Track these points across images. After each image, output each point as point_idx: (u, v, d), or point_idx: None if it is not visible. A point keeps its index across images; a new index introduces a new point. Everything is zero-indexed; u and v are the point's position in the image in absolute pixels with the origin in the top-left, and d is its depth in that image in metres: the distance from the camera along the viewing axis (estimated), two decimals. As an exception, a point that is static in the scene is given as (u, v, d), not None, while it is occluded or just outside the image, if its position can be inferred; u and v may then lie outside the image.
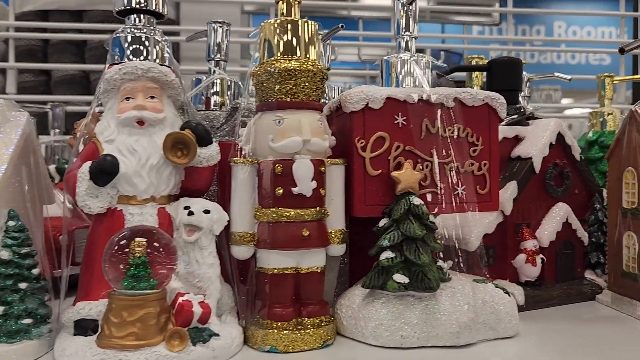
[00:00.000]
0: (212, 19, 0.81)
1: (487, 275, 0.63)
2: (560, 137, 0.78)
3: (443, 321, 0.55)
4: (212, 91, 0.73)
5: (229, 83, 0.75)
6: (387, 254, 0.56)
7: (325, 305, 0.58)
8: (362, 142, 0.59)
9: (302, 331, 0.55)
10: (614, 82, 1.14)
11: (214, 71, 0.74)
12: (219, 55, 0.74)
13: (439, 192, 0.61)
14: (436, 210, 0.60)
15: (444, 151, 0.61)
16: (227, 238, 0.57)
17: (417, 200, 0.57)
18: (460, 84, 1.08)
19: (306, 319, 0.56)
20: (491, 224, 0.73)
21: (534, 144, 0.77)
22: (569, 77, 1.04)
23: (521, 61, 0.81)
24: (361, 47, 1.42)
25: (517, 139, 0.79)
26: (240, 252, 0.56)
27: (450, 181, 0.61)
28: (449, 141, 0.61)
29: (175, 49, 1.23)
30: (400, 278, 0.55)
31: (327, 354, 0.55)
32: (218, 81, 0.74)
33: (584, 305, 0.75)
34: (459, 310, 0.56)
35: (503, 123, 0.79)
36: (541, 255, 0.74)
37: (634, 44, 0.71)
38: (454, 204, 0.61)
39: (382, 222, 0.58)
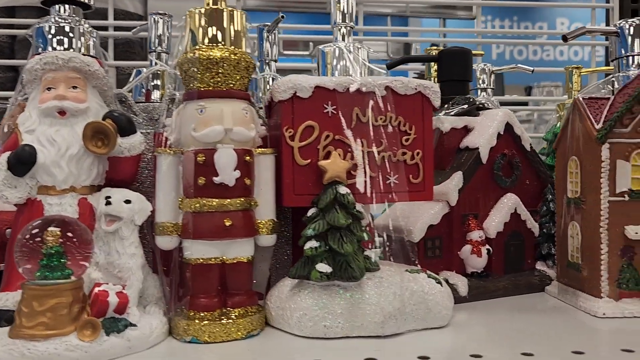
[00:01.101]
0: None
1: (418, 264, 0.62)
2: (509, 127, 0.77)
3: (368, 311, 0.55)
4: (152, 83, 0.72)
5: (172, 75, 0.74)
6: (311, 244, 0.55)
7: (252, 296, 0.58)
8: (290, 132, 0.59)
9: (226, 321, 0.55)
10: (582, 73, 1.13)
11: (155, 63, 0.73)
12: (159, 47, 0.74)
13: (369, 181, 0.60)
14: (368, 199, 0.60)
15: (375, 140, 0.60)
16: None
17: (343, 189, 0.56)
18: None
19: (231, 309, 0.56)
20: (437, 215, 0.73)
21: (482, 134, 0.76)
22: (531, 69, 1.03)
23: (471, 51, 0.81)
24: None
25: (467, 130, 0.78)
26: (164, 242, 0.56)
27: (381, 170, 0.61)
28: (380, 130, 0.61)
29: (144, 44, 1.23)
30: (323, 267, 0.55)
31: (249, 344, 0.54)
32: (163, 73, 0.73)
33: (533, 296, 0.74)
34: (384, 300, 0.55)
35: (452, 113, 0.78)
36: (487, 246, 0.73)
37: (576, 31, 0.70)
38: (385, 193, 0.61)
39: (310, 212, 0.57)
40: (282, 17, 0.74)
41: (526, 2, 1.33)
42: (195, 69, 0.55)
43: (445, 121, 0.77)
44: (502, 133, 0.76)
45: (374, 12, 1.45)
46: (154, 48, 0.74)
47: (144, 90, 0.73)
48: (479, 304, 0.70)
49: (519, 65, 1.05)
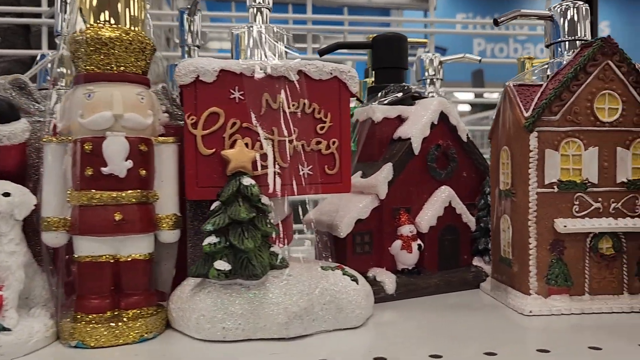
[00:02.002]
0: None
1: (330, 260, 0.58)
2: (443, 116, 0.74)
3: (271, 311, 0.51)
4: (58, 70, 0.68)
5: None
6: (210, 239, 0.51)
7: (150, 296, 0.54)
8: (193, 119, 0.54)
9: (117, 324, 0.50)
10: (534, 64, 1.10)
11: (63, 48, 0.68)
12: (67, 31, 0.69)
13: (281, 172, 0.56)
14: (276, 192, 0.56)
15: (287, 128, 0.56)
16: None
17: (247, 181, 0.52)
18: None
19: (124, 311, 0.51)
20: (365, 209, 0.69)
21: (415, 124, 0.72)
22: (478, 58, 1.00)
23: (406, 38, 0.77)
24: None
25: (401, 119, 0.75)
26: (49, 238, 0.51)
27: (294, 161, 0.57)
28: (293, 118, 0.57)
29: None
30: (221, 265, 0.50)
31: (141, 348, 0.50)
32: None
33: (466, 293, 0.71)
34: (289, 299, 0.51)
35: (385, 102, 0.75)
36: (418, 242, 0.70)
37: (507, 15, 0.67)
38: (298, 184, 0.57)
39: (213, 205, 0.53)
40: (197, 1, 0.70)
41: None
42: (83, 50, 0.51)
43: (378, 110, 0.73)
44: (436, 123, 0.73)
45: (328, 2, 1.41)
46: (60, 32, 0.69)
47: (49, 77, 0.68)
48: (408, 302, 0.67)
49: (467, 55, 1.01)
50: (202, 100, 0.55)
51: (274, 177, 0.56)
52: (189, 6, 0.71)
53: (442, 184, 0.74)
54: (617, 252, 0.61)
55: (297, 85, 0.57)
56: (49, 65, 0.67)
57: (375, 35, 0.77)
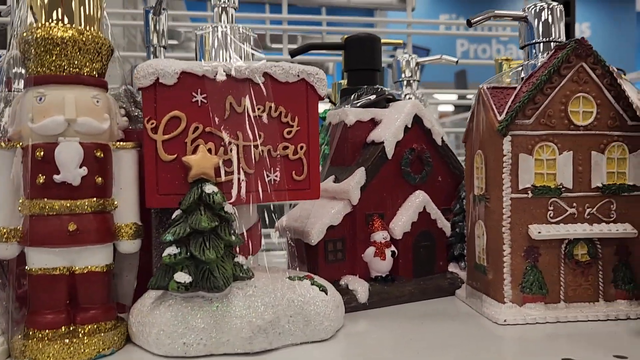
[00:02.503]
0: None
1: (299, 270, 0.56)
2: (418, 119, 0.72)
3: (234, 325, 0.48)
4: (14, 71, 0.64)
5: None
6: (170, 250, 0.49)
7: (108, 310, 0.51)
8: (152, 123, 0.52)
9: (71, 340, 0.48)
10: (512, 65, 1.10)
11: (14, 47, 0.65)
12: (17, 30, 0.66)
13: (246, 178, 0.54)
14: (241, 199, 0.53)
15: (252, 133, 0.54)
16: None
17: (209, 188, 0.50)
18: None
19: (80, 325, 0.49)
20: (337, 215, 0.67)
21: (388, 127, 0.70)
22: (455, 59, 0.99)
23: (379, 39, 0.75)
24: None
25: (374, 122, 0.73)
26: (0, 250, 0.48)
27: (259, 166, 0.54)
28: (258, 122, 0.55)
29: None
30: (181, 277, 0.48)
31: (95, 366, 0.47)
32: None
33: (442, 301, 0.69)
34: (253, 312, 0.49)
35: (358, 105, 0.73)
36: (392, 248, 0.68)
37: (482, 15, 0.65)
38: (264, 191, 0.54)
39: (175, 214, 0.51)
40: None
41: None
42: (34, 51, 0.48)
43: (350, 113, 0.71)
44: (410, 126, 0.71)
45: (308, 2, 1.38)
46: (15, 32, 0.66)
47: (4, 78, 0.65)
48: (381, 311, 0.65)
49: (444, 56, 1.00)
50: (163, 104, 0.52)
51: (239, 184, 0.53)
52: (153, 5, 0.68)
53: (416, 189, 0.72)
54: (592, 258, 0.60)
55: (263, 88, 0.54)
56: (4, 66, 0.64)
57: (347, 36, 0.75)
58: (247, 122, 0.54)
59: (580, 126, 0.59)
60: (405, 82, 1.00)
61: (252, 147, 0.54)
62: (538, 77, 0.59)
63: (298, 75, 0.56)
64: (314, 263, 0.67)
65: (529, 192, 0.59)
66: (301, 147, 0.56)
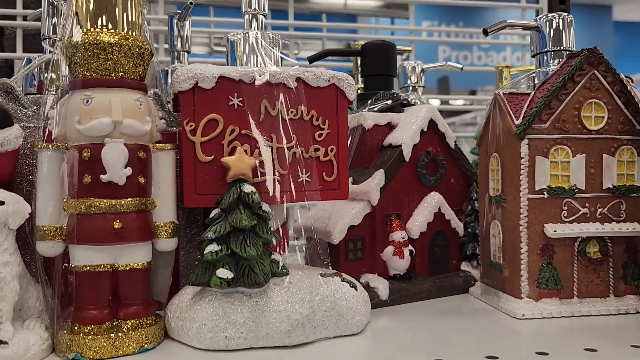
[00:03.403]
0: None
1: (331, 268, 0.59)
2: (432, 124, 0.75)
3: (273, 319, 0.51)
4: (46, 75, 0.66)
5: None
6: (211, 247, 0.51)
7: (149, 306, 0.53)
8: (191, 125, 0.54)
9: (115, 335, 0.49)
10: (512, 72, 1.13)
11: (49, 51, 0.67)
12: (54, 35, 0.67)
13: (279, 179, 0.56)
14: (275, 199, 0.55)
15: (285, 135, 0.56)
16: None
17: (248, 188, 0.52)
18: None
19: (123, 321, 0.50)
20: (358, 215, 0.69)
21: (405, 131, 0.73)
22: (460, 66, 1.02)
23: (395, 46, 0.78)
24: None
25: (390, 126, 0.76)
26: (45, 248, 0.50)
27: (292, 168, 0.57)
28: (291, 125, 0.57)
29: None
30: (223, 273, 0.50)
31: (141, 359, 0.49)
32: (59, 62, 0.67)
33: (457, 298, 0.72)
34: (291, 307, 0.51)
35: (375, 109, 0.75)
36: (410, 247, 0.70)
37: (497, 25, 0.68)
38: (297, 191, 0.57)
39: (213, 213, 0.53)
40: (191, 4, 0.69)
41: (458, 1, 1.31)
42: (81, 55, 0.50)
43: (368, 117, 0.74)
44: (425, 130, 0.74)
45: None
46: (47, 35, 0.67)
47: (35, 82, 0.66)
48: (400, 307, 0.67)
49: (449, 62, 1.03)
50: (201, 107, 0.54)
51: (274, 184, 0.55)
52: (179, 11, 0.70)
53: (431, 190, 0.75)
54: (603, 255, 0.63)
55: (296, 92, 0.57)
56: (35, 69, 0.65)
57: (364, 42, 0.77)
58: (280, 125, 0.56)
59: (593, 130, 0.63)
60: (410, 88, 1.02)
61: (285, 149, 0.56)
62: (553, 84, 0.62)
63: (329, 81, 0.58)
64: (335, 261, 0.69)
65: (545, 192, 0.62)
66: (331, 149, 0.59)
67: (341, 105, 0.59)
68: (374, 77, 0.77)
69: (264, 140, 0.56)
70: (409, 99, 1.02)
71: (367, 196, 0.69)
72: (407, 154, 0.72)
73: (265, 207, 0.53)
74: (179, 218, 0.56)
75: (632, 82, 0.66)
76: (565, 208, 0.62)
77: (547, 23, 0.69)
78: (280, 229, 0.57)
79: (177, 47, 0.73)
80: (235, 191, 0.52)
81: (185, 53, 0.74)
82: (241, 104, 0.55)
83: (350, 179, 0.74)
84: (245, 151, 0.55)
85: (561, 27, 0.68)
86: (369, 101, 0.76)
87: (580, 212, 0.63)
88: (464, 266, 0.77)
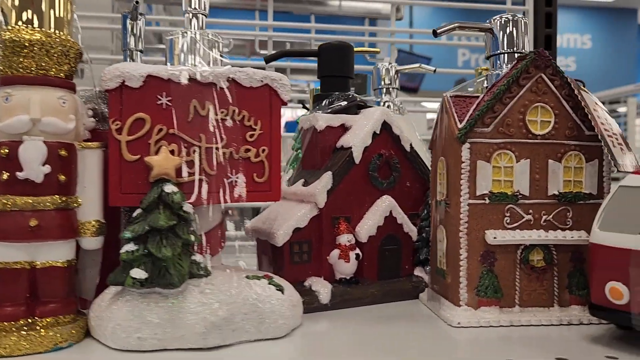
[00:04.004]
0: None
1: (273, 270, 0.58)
2: (386, 126, 0.73)
3: (188, 321, 0.50)
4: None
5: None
6: (128, 247, 0.50)
7: (68, 304, 0.52)
8: (117, 124, 0.54)
9: (29, 333, 0.49)
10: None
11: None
12: None
13: (208, 179, 0.55)
14: (202, 199, 0.55)
15: (215, 136, 0.56)
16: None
17: (169, 188, 0.52)
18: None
19: (38, 319, 0.50)
20: (304, 218, 0.68)
21: (356, 133, 0.72)
22: (433, 68, 1.01)
23: (352, 47, 0.77)
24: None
25: (344, 128, 0.75)
26: (-38, 244, 0.50)
27: (222, 168, 0.56)
28: (222, 125, 0.56)
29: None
30: (137, 273, 0.50)
31: (53, 358, 0.49)
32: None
33: (405, 304, 0.71)
34: (207, 309, 0.51)
35: (328, 111, 0.74)
36: (356, 251, 0.69)
37: (447, 26, 0.67)
38: (225, 192, 0.56)
39: (135, 213, 0.53)
40: (137, 3, 0.69)
41: (445, 2, 1.30)
42: (1, 52, 0.50)
43: (320, 119, 0.73)
44: (378, 132, 0.73)
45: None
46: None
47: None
48: (344, 312, 0.66)
49: (422, 65, 1.02)
50: (128, 106, 0.54)
51: (200, 185, 0.55)
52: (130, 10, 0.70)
53: (384, 194, 0.73)
54: (547, 264, 0.61)
55: (227, 93, 0.56)
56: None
57: (322, 43, 0.77)
58: (210, 125, 0.56)
59: (538, 135, 0.61)
60: (384, 90, 1.01)
61: (214, 149, 0.56)
62: (498, 87, 0.61)
63: (262, 81, 0.58)
64: (280, 264, 0.69)
65: (486, 198, 0.60)
66: (263, 150, 0.58)
67: (275, 106, 0.59)
68: (331, 78, 0.77)
69: (192, 140, 0.55)
70: (382, 101, 1.01)
71: (313, 198, 0.69)
72: (357, 156, 0.71)
73: (187, 207, 0.52)
74: (106, 217, 0.55)
75: (584, 85, 0.64)
76: (508, 214, 0.61)
77: (501, 25, 0.67)
78: (205, 231, 0.57)
79: (129, 45, 0.73)
80: (156, 191, 0.52)
81: (139, 52, 0.74)
82: (170, 104, 0.55)
83: (302, 181, 0.73)
84: (172, 151, 0.55)
85: (515, 28, 0.67)
86: (324, 102, 0.75)
87: (524, 219, 0.61)
88: (418, 271, 0.76)
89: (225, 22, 1.19)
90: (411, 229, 0.74)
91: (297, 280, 0.69)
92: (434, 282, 0.68)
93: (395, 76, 1.02)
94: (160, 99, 0.55)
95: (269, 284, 0.56)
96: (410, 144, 0.76)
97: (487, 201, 0.60)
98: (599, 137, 0.58)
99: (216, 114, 0.56)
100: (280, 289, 0.56)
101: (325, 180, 0.69)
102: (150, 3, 1.73)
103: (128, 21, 0.72)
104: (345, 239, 0.69)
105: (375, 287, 0.70)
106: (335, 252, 0.69)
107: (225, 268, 0.58)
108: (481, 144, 0.60)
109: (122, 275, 0.51)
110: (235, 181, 0.57)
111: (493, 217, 0.61)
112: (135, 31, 0.73)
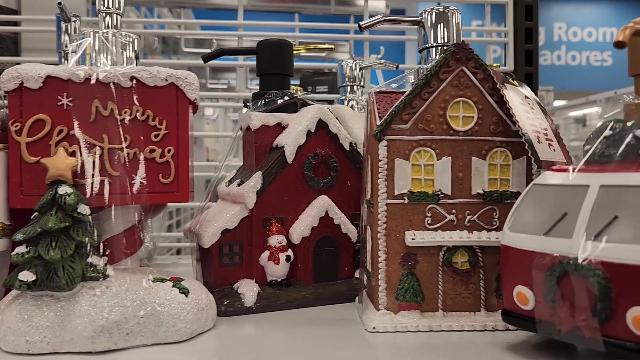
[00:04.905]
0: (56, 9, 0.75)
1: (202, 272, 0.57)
2: (323, 124, 0.72)
3: (77, 324, 0.49)
4: None
5: None
6: (19, 249, 0.50)
7: (-33, 307, 0.52)
8: (17, 126, 0.53)
9: None
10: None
11: None
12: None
13: (112, 181, 0.55)
14: (104, 201, 0.54)
15: (118, 136, 0.55)
16: None
17: (62, 189, 0.51)
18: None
19: None
20: (233, 219, 0.67)
21: (291, 132, 0.70)
22: (395, 64, 0.98)
23: (291, 44, 0.75)
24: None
25: (281, 127, 0.73)
26: None
27: (125, 169, 0.55)
28: (125, 125, 0.55)
29: (17, 39, 1.18)
30: (25, 276, 0.49)
31: (-58, 360, 0.49)
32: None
33: (339, 307, 0.68)
34: (97, 312, 0.50)
35: (262, 110, 0.73)
36: (287, 253, 0.68)
37: (373, 20, 0.65)
38: (130, 193, 0.55)
39: (33, 215, 0.52)
40: (60, 3, 0.69)
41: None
42: None
43: (255, 118, 0.71)
44: (313, 131, 0.71)
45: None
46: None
47: None
48: (271, 315, 0.65)
49: (385, 61, 0.99)
50: (28, 107, 0.54)
51: (102, 186, 0.54)
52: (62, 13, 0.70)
53: (322, 194, 0.71)
54: (472, 267, 0.58)
55: (130, 92, 0.55)
56: None
57: (260, 40, 0.75)
58: (113, 126, 0.55)
59: (460, 131, 0.58)
60: (348, 88, 0.99)
61: (117, 150, 0.55)
62: (416, 82, 0.58)
63: (167, 80, 0.57)
64: (209, 266, 0.68)
65: (405, 198, 0.58)
66: (169, 150, 0.57)
67: (182, 105, 0.57)
68: (269, 76, 0.75)
69: (95, 141, 0.55)
70: (347, 100, 0.99)
71: (242, 199, 0.67)
72: (289, 155, 0.69)
73: (83, 209, 0.52)
74: (10, 219, 0.55)
75: (513, 79, 0.61)
76: (429, 214, 0.58)
77: (431, 17, 0.64)
78: (109, 235, 0.56)
79: (64, 47, 0.73)
80: (50, 193, 0.51)
81: (73, 53, 0.74)
82: (71, 104, 0.54)
83: (238, 181, 0.72)
84: (73, 152, 0.54)
85: (445, 21, 0.64)
86: (260, 101, 0.74)
87: (447, 220, 0.58)
88: (359, 273, 0.73)
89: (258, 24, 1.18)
90: (350, 230, 0.72)
91: (227, 282, 0.68)
92: (365, 285, 0.66)
93: (360, 73, 0.99)
94: (61, 100, 0.54)
95: (174, 286, 0.55)
96: (350, 143, 0.73)
97: (407, 201, 0.58)
98: (520, 132, 0.55)
99: (119, 114, 0.55)
100: (184, 291, 0.55)
101: (255, 180, 0.67)
102: (150, 6, 1.76)
103: (62, 24, 0.72)
104: (275, 240, 0.67)
105: (308, 290, 0.68)
106: (266, 254, 0.67)
107: (134, 270, 0.57)
108: (399, 141, 0.58)
109: (14, 277, 0.50)
110: (140, 182, 0.56)
111: (413, 217, 0.58)
112: (70, 32, 0.73)
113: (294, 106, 0.74)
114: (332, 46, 0.99)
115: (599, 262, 0.42)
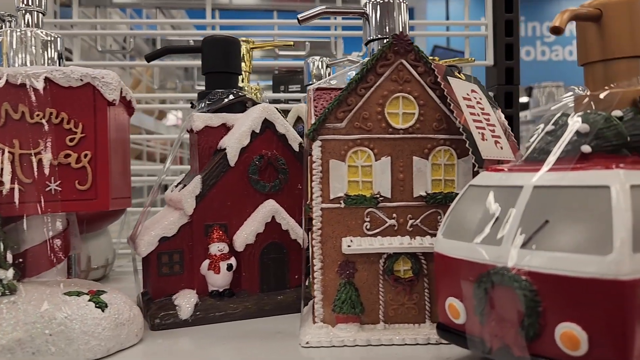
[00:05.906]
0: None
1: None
2: (269, 124, 0.68)
3: (-24, 344, 0.46)
4: None
5: None
6: None
7: None
8: None
9: None
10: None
11: None
12: None
13: (23, 188, 0.51)
14: (16, 210, 0.51)
15: (30, 141, 0.52)
16: None
17: (-37, 199, 0.48)
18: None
19: None
20: (171, 226, 0.64)
21: (232, 133, 0.67)
22: (359, 61, 0.94)
23: (238, 41, 0.71)
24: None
25: (227, 128, 0.69)
26: None
27: (38, 176, 0.52)
28: (37, 129, 0.52)
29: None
30: None
31: None
32: None
33: (286, 318, 0.64)
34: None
35: (209, 110, 0.69)
36: (229, 261, 0.64)
37: (312, 12, 0.60)
38: (45, 202, 0.52)
39: (-63, 226, 0.49)
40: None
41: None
42: None
43: (197, 119, 0.68)
44: (258, 132, 0.67)
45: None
46: None
47: None
48: (209, 328, 0.61)
49: (350, 58, 0.95)
50: None
51: (12, 194, 0.51)
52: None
53: (270, 198, 0.68)
54: (416, 275, 0.54)
55: (43, 94, 0.52)
56: None
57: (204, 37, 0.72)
58: (24, 130, 0.52)
59: (400, 129, 0.54)
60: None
61: (30, 155, 0.52)
62: (352, 77, 0.54)
63: (82, 80, 0.53)
64: (146, 275, 0.64)
65: (342, 201, 0.54)
66: (85, 155, 0.53)
67: (99, 107, 0.54)
68: (214, 75, 0.71)
69: (4, 147, 0.51)
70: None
71: (180, 205, 0.64)
72: (231, 158, 0.65)
73: (-13, 219, 0.48)
74: None
75: (460, 71, 0.56)
76: (368, 219, 0.54)
77: (374, 8, 0.60)
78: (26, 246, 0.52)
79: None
80: (-49, 202, 0.48)
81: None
82: (-21, 108, 0.51)
83: (181, 186, 0.68)
84: (-20, 158, 0.51)
85: (388, 12, 0.59)
86: (206, 101, 0.70)
87: (387, 224, 0.54)
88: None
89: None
90: (300, 236, 0.68)
91: (167, 293, 0.64)
92: (310, 296, 0.62)
93: (327, 71, 0.96)
94: (-32, 104, 0.51)
95: (90, 300, 0.51)
96: (300, 144, 0.69)
97: (343, 205, 0.54)
98: (461, 129, 0.51)
99: (31, 118, 0.52)
100: (100, 306, 0.51)
101: (193, 185, 0.64)
102: (138, 7, 1.73)
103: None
104: (215, 248, 0.64)
105: (252, 300, 0.65)
106: (206, 263, 0.64)
107: (50, 284, 0.53)
108: (334, 141, 0.54)
109: None
110: (54, 189, 0.52)
111: (351, 222, 0.54)
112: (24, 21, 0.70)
113: (241, 106, 0.71)
114: (291, 43, 0.95)
115: (527, 272, 0.37)
